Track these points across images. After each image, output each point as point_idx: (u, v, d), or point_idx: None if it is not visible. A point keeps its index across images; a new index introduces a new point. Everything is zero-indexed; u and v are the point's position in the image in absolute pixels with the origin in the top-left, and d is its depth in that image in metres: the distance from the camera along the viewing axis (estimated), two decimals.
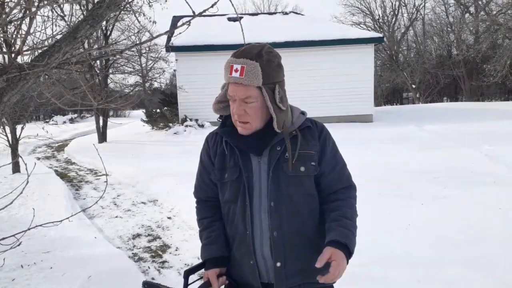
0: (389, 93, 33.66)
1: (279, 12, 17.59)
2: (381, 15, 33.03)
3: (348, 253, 1.29)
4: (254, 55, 1.29)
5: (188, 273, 1.40)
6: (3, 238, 1.55)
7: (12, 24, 1.71)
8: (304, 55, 13.81)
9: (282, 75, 1.38)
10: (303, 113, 1.50)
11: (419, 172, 6.29)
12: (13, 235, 1.61)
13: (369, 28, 31.34)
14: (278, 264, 1.34)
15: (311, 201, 1.41)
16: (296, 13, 17.80)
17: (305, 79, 13.51)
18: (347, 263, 1.28)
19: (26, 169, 1.68)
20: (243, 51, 1.31)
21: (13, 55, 1.78)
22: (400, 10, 32.40)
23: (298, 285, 1.38)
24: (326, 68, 13.93)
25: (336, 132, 10.36)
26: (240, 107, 1.33)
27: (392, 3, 32.62)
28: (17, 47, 1.79)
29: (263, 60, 1.30)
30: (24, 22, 1.91)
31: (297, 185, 1.37)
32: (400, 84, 30.63)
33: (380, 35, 17.10)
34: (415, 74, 28.55)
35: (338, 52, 13.98)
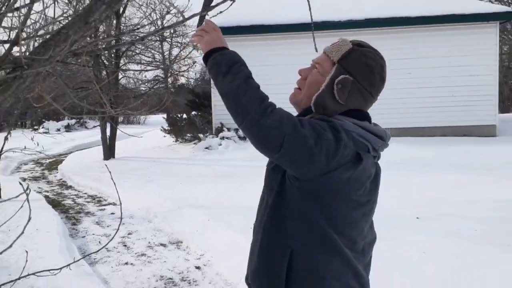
0: None
1: None
2: None
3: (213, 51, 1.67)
4: (357, 41, 1.73)
5: None
6: None
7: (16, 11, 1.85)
8: (394, 39, 13.70)
9: (366, 79, 1.68)
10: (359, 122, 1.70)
11: None
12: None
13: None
14: None
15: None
16: None
17: (396, 73, 13.36)
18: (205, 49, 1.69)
19: None
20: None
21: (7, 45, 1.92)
22: None
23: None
24: (426, 57, 13.74)
25: (441, 151, 10.20)
26: (306, 70, 1.76)
27: None
28: (13, 34, 1.93)
29: (359, 49, 1.69)
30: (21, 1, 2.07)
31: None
32: None
33: (509, 8, 16.57)
34: None
35: (444, 34, 13.76)
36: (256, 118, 1.48)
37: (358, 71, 1.65)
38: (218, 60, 1.62)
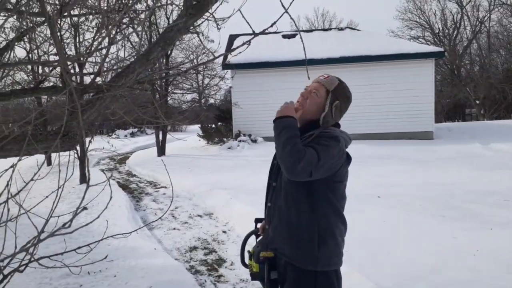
0: (450, 109, 31.96)
1: (334, 28, 17.50)
2: (441, 29, 31.70)
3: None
4: (339, 79, 1.87)
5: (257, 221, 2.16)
6: (80, 247, 1.65)
7: (98, 51, 1.85)
8: (361, 71, 13.60)
9: (344, 105, 1.85)
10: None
11: (487, 193, 5.88)
12: (88, 245, 1.71)
13: (428, 42, 30.17)
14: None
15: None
16: (351, 28, 17.59)
17: (362, 94, 13.29)
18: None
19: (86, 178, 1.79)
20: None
21: (92, 76, 1.91)
22: (462, 23, 30.90)
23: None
24: (384, 83, 13.61)
25: (394, 149, 10.05)
26: (305, 93, 1.86)
27: (453, 16, 31.29)
28: (97, 68, 1.92)
29: (342, 84, 1.87)
30: (102, 45, 2.06)
31: None
32: (463, 99, 29.04)
33: (441, 49, 16.37)
34: (479, 89, 26.92)
35: (396, 67, 13.62)
36: (291, 166, 1.59)
37: (342, 98, 1.83)
38: (277, 124, 1.72)
